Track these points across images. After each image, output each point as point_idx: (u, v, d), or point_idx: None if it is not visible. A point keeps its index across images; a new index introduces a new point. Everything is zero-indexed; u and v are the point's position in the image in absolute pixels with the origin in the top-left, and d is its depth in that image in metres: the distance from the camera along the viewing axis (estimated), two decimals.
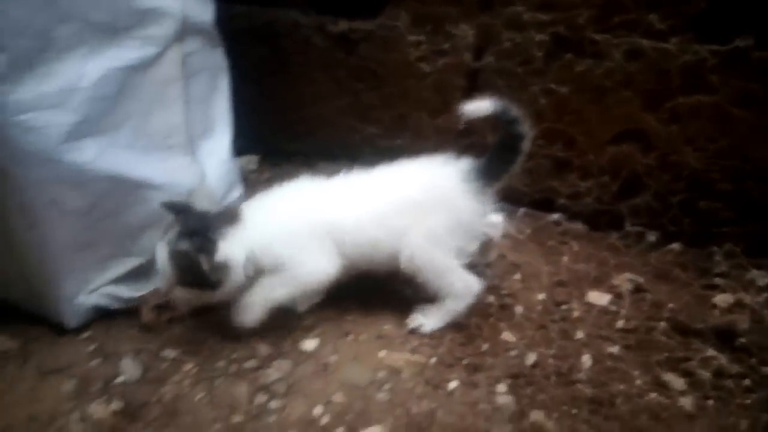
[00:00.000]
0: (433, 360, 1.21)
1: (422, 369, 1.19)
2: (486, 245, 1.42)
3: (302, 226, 1.18)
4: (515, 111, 1.16)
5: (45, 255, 1.15)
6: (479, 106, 1.15)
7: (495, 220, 1.43)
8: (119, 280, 1.27)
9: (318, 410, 1.10)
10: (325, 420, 1.09)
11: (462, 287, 1.23)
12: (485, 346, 1.25)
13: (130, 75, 1.16)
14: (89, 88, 1.10)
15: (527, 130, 1.17)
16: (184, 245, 1.08)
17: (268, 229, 1.16)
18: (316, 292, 1.27)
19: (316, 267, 1.18)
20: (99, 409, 1.10)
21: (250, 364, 1.19)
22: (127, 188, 1.18)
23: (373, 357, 1.21)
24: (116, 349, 1.22)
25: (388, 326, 1.28)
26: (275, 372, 1.17)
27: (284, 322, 1.27)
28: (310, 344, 1.23)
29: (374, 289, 1.33)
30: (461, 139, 1.64)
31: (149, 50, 1.18)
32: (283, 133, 1.81)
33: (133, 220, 1.22)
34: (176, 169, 1.26)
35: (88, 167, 1.12)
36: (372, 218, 1.18)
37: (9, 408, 1.11)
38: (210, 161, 1.36)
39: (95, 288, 1.24)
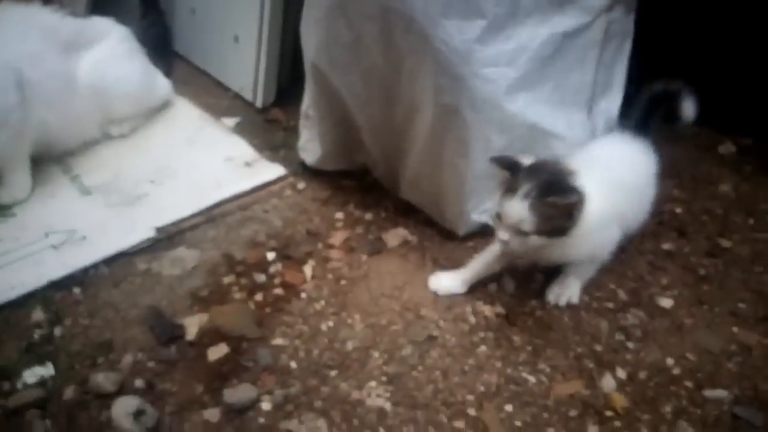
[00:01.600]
0: None
1: None
2: None
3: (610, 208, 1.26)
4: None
5: (464, 178, 1.44)
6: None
7: None
8: None
9: (670, 361, 1.27)
10: (676, 371, 1.25)
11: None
12: None
13: (564, 40, 1.34)
14: (534, 50, 1.31)
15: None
16: (572, 193, 1.18)
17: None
18: None
19: (612, 242, 1.33)
20: (486, 309, 1.39)
21: (609, 305, 1.38)
22: (538, 135, 1.40)
23: (726, 330, 1.32)
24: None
25: (742, 305, 1.36)
26: (632, 318, 1.35)
27: (638, 275, 1.43)
28: (666, 302, 1.38)
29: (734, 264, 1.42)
30: None
31: (584, 18, 1.35)
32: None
33: None
34: (576, 124, 1.44)
35: (517, 115, 1.35)
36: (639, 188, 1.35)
37: (417, 287, 1.46)
38: (600, 119, 1.51)
39: (486, 210, 1.51)
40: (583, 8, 1.33)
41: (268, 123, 2.08)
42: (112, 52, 1.91)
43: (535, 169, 1.23)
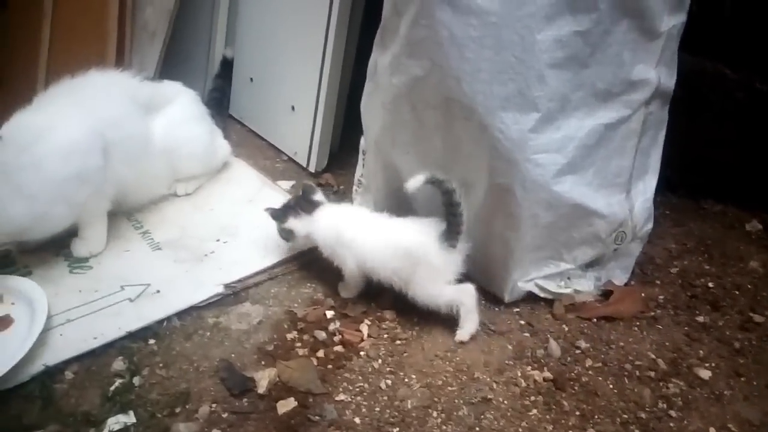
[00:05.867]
0: None
1: None
2: None
3: (334, 238, 1.64)
4: (449, 183, 1.46)
5: (513, 249, 1.56)
6: (416, 180, 1.47)
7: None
8: (549, 277, 1.64)
9: (713, 431, 1.35)
10: None
11: (461, 296, 1.54)
12: None
13: (607, 130, 1.48)
14: (580, 139, 1.45)
15: (459, 199, 1.47)
16: (270, 210, 1.75)
17: (321, 229, 1.67)
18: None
19: (350, 265, 1.63)
20: (535, 373, 1.49)
21: (651, 374, 1.48)
22: (581, 214, 1.53)
23: (765, 402, 1.40)
24: (540, 328, 1.61)
25: None
26: (673, 387, 1.44)
27: (676, 346, 1.53)
28: (704, 373, 1.47)
29: None
30: None
31: (625, 111, 1.49)
32: (677, 167, 2.00)
33: (575, 237, 1.57)
34: (615, 204, 1.57)
35: (563, 196, 1.48)
36: (377, 253, 1.58)
37: (468, 349, 1.55)
38: (638, 199, 1.64)
39: (532, 278, 1.64)
40: (624, 103, 1.47)
41: (321, 187, 2.20)
42: (182, 114, 2.09)
43: (300, 198, 1.76)
